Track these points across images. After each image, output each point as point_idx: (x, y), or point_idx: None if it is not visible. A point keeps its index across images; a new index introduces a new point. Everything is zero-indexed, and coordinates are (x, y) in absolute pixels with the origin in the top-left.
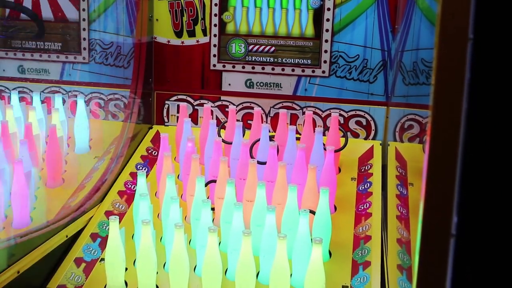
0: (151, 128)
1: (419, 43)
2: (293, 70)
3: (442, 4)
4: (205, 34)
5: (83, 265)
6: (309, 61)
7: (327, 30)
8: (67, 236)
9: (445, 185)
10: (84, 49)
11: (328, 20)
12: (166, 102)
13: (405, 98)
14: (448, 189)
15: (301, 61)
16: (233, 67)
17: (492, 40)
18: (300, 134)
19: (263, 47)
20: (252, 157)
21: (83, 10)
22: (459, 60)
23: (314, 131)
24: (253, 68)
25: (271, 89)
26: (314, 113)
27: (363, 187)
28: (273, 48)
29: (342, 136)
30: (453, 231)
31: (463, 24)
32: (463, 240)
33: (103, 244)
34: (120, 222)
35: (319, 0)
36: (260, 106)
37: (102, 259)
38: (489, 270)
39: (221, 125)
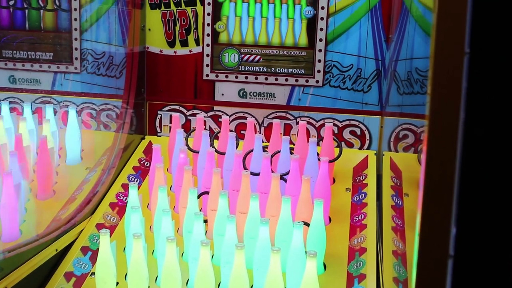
0: (143, 138)
1: (413, 53)
2: (286, 80)
3: (438, 18)
4: (198, 44)
5: (73, 279)
6: (302, 71)
7: (320, 40)
8: (56, 250)
9: (442, 198)
10: (76, 59)
11: (321, 29)
12: (159, 112)
13: (399, 108)
14: (446, 202)
15: (294, 70)
16: (226, 77)
17: (488, 53)
18: (294, 144)
19: (253, 56)
20: (245, 168)
21: (75, 19)
22: (455, 75)
23: (308, 141)
24: (246, 78)
25: (264, 99)
26: (308, 123)
27: (357, 198)
28: (259, 57)
29: (337, 146)
30: (451, 252)
31: (459, 38)
32: (461, 260)
33: (94, 258)
34: (111, 234)
35: (313, 9)
36: (253, 116)
37: (93, 273)
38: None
39: (214, 136)
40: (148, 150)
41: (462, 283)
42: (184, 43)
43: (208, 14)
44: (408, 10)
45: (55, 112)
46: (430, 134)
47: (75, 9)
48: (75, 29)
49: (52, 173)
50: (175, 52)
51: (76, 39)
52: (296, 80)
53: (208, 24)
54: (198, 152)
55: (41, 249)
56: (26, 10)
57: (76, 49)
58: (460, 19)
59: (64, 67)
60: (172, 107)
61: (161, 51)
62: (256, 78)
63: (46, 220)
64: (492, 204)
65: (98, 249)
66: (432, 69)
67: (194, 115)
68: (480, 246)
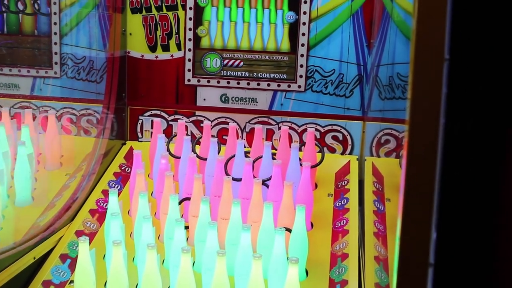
0: (124, 144)
1: (394, 58)
2: (268, 85)
3: (417, 23)
4: (179, 49)
5: None
6: (285, 76)
7: (302, 45)
8: (34, 258)
9: (423, 203)
10: (56, 63)
11: (303, 34)
12: (140, 117)
13: (381, 113)
14: (427, 207)
15: (276, 75)
16: (208, 82)
17: (468, 59)
18: (276, 150)
19: (233, 61)
20: (227, 174)
21: (55, 23)
22: (435, 82)
23: (290, 147)
24: (228, 82)
25: (246, 104)
26: (290, 128)
27: (340, 203)
28: (241, 63)
29: (319, 152)
30: (431, 260)
31: (439, 44)
32: (442, 266)
33: (73, 266)
34: (91, 242)
35: (295, 14)
36: (235, 122)
37: (72, 281)
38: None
39: (195, 141)
40: (129, 156)
41: None
42: (166, 48)
43: (190, 19)
44: (390, 15)
45: (34, 118)
46: (411, 139)
47: (55, 13)
48: (55, 33)
49: (31, 179)
50: (156, 56)
51: (56, 43)
52: (278, 85)
53: (190, 29)
54: (179, 158)
55: (18, 257)
56: (5, 14)
57: (56, 53)
58: (440, 25)
59: (43, 71)
60: (154, 112)
61: (142, 56)
62: (238, 83)
63: (24, 227)
64: (472, 209)
65: (77, 256)
66: (412, 75)
67: (175, 120)
68: (461, 252)
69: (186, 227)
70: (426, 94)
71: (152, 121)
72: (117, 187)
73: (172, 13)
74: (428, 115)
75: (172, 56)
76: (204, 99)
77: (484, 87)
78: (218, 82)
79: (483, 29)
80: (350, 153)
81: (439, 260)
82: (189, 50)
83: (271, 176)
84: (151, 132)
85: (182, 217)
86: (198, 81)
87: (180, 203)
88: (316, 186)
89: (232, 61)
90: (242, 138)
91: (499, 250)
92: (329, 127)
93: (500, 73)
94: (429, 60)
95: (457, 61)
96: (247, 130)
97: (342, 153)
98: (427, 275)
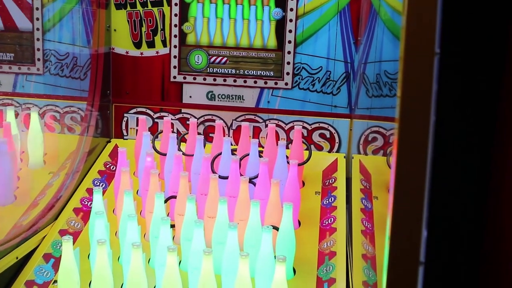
0: (109, 141)
1: (381, 55)
2: (255, 82)
3: (407, 18)
4: (165, 45)
5: None
6: (271, 73)
7: (289, 42)
8: (17, 258)
9: (413, 201)
10: (38, 60)
11: (290, 31)
12: (125, 115)
13: (368, 110)
14: (417, 205)
15: (263, 73)
16: (194, 79)
17: (459, 54)
18: (263, 147)
19: (219, 58)
20: (213, 171)
21: (37, 19)
22: (425, 75)
23: (277, 144)
24: (214, 80)
25: (233, 101)
26: (277, 125)
27: (327, 201)
28: (225, 59)
29: (306, 149)
30: (421, 259)
31: (429, 38)
32: (432, 264)
33: (56, 265)
34: (75, 241)
35: (281, 11)
36: (222, 119)
37: (55, 281)
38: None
39: (180, 137)
40: (114, 154)
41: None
42: (151, 44)
43: (176, 15)
44: (377, 13)
45: (16, 115)
46: (400, 136)
47: (37, 8)
48: (37, 29)
49: (14, 178)
50: (141, 53)
51: (38, 39)
52: (265, 83)
53: (176, 25)
54: (165, 155)
55: (0, 257)
56: None
57: (38, 49)
58: (430, 18)
59: (26, 68)
60: (139, 109)
61: (127, 52)
62: (225, 80)
63: (6, 226)
64: (463, 207)
65: (61, 256)
66: (402, 69)
67: (161, 117)
68: (452, 250)
69: (172, 226)
70: (416, 90)
71: (137, 118)
72: (101, 186)
73: (157, 9)
74: (419, 111)
75: (157, 52)
76: (190, 96)
77: (475, 83)
78: (204, 79)
79: (475, 21)
80: (338, 151)
81: (430, 258)
82: (175, 46)
83: (258, 174)
84: (137, 130)
85: (168, 215)
86: (184, 78)
87: (166, 201)
88: (303, 184)
89: (220, 58)
90: (228, 136)
91: (490, 248)
92: (317, 125)
93: (491, 68)
94: (419, 55)
95: (448, 56)
96: (233, 127)
97: (330, 151)
98: (417, 274)
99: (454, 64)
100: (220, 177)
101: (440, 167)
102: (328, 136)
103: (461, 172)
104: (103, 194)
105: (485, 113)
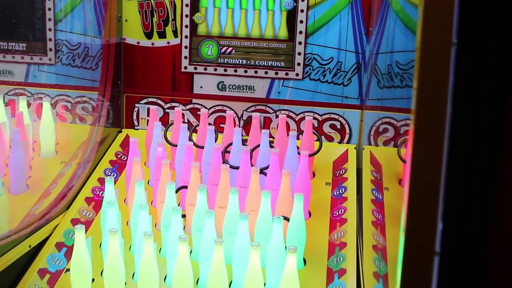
0: (120, 132)
1: (393, 46)
2: (266, 73)
3: (424, 8)
4: (176, 36)
5: (47, 276)
6: (282, 64)
7: (300, 32)
8: (30, 246)
9: (429, 193)
10: (50, 50)
11: (301, 22)
12: (136, 105)
13: (379, 101)
14: (433, 198)
15: (274, 63)
16: (205, 69)
17: (476, 44)
18: (273, 138)
19: (230, 48)
20: (224, 162)
21: (49, 9)
22: (442, 66)
23: (287, 135)
24: (225, 70)
25: (244, 92)
26: (288, 116)
27: (338, 192)
28: (230, 49)
29: (316, 140)
30: (437, 249)
31: (447, 28)
32: (447, 256)
33: (68, 254)
34: (87, 230)
35: (293, 1)
36: (232, 110)
37: (68, 270)
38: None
39: (192, 129)
40: (125, 144)
41: (448, 279)
42: (162, 35)
43: (187, 5)
44: (389, 3)
45: (28, 105)
46: (417, 128)
47: None
48: (49, 19)
49: (26, 167)
50: (152, 43)
51: (50, 29)
52: (276, 73)
53: (187, 16)
54: (176, 146)
55: (14, 245)
56: None
57: (50, 39)
58: (447, 9)
59: (38, 58)
60: (150, 99)
61: (138, 43)
62: (235, 71)
63: (19, 215)
64: (479, 199)
65: (73, 244)
66: (419, 59)
67: (172, 108)
68: (467, 242)
69: (183, 216)
70: (433, 81)
71: (148, 108)
72: (113, 175)
73: None
74: (435, 103)
75: (168, 43)
76: (201, 87)
77: (492, 74)
78: (215, 69)
79: (493, 11)
80: (348, 142)
81: (445, 249)
82: (186, 37)
83: (268, 165)
84: (147, 120)
85: (179, 205)
86: (195, 68)
87: (177, 191)
88: (314, 175)
89: (230, 48)
90: (239, 126)
91: (506, 239)
92: (327, 116)
93: (507, 59)
94: (436, 44)
95: (465, 49)
96: (244, 118)
97: (340, 142)
98: (433, 264)
99: (471, 54)
100: (231, 167)
101: (456, 159)
102: (338, 127)
103: (477, 164)
104: (114, 184)
105: (503, 105)
